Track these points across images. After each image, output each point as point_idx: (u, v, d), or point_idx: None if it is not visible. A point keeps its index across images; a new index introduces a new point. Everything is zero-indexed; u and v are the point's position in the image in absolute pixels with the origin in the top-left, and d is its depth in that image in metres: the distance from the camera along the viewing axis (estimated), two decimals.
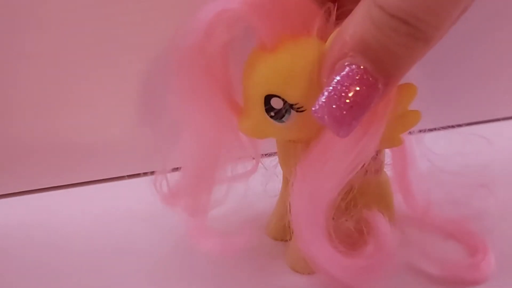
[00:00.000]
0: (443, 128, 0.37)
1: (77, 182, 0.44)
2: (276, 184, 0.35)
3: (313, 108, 0.25)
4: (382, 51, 0.24)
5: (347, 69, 0.24)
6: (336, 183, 0.28)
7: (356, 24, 0.24)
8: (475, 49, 0.48)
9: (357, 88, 0.24)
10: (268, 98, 0.28)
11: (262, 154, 0.35)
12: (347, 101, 0.24)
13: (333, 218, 0.30)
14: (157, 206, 0.35)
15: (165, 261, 0.35)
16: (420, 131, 0.34)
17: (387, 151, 0.35)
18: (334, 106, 0.24)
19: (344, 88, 0.24)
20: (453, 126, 0.37)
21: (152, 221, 0.38)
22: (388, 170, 0.36)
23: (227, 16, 0.28)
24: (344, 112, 0.24)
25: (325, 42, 0.27)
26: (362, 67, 0.24)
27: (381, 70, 0.24)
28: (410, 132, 0.34)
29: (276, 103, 0.28)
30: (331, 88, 0.24)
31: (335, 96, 0.24)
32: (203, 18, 0.28)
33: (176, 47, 0.29)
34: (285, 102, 0.28)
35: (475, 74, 0.49)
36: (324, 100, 0.24)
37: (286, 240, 0.35)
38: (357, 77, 0.24)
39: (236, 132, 0.31)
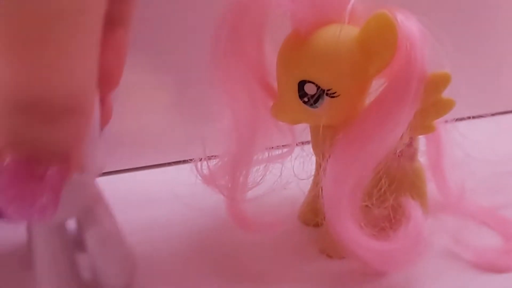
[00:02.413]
0: (478, 116, 0.37)
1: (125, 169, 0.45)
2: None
3: None
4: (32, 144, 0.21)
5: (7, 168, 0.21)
6: (367, 167, 0.29)
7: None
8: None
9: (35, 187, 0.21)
10: (301, 84, 0.28)
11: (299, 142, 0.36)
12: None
13: (366, 204, 0.30)
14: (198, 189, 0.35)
15: (201, 243, 0.36)
16: (456, 119, 0.34)
17: (422, 138, 0.35)
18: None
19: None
20: (488, 115, 0.36)
21: (194, 204, 0.39)
22: (422, 158, 0.36)
23: (262, 2, 0.28)
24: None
25: (358, 27, 0.27)
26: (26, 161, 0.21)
27: (50, 154, 0.22)
28: (445, 120, 0.34)
29: (309, 89, 0.28)
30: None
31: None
32: (239, 1, 0.28)
33: (212, 32, 0.29)
34: (318, 87, 0.28)
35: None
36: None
37: (318, 225, 0.35)
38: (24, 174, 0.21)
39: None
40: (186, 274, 0.33)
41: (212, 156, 0.35)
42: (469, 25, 0.46)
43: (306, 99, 0.29)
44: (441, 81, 0.29)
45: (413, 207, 0.30)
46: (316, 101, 0.29)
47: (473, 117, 0.36)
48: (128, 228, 0.31)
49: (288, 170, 0.35)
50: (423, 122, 0.30)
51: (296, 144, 0.36)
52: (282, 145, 0.36)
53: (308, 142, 0.34)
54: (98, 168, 0.28)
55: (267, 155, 0.35)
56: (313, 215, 0.35)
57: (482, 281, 0.32)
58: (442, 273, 0.32)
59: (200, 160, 0.35)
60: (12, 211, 0.21)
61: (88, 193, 0.29)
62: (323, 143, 0.30)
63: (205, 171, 0.35)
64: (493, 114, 0.36)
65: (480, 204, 0.37)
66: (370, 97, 0.30)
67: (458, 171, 0.36)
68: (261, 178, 0.34)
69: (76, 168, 0.23)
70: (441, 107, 0.30)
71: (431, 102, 0.29)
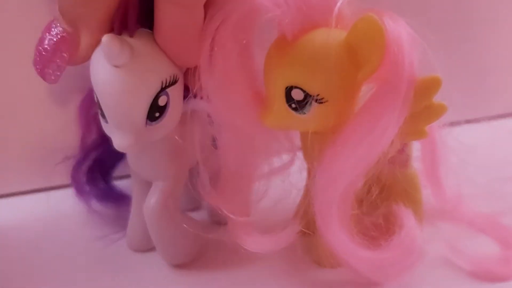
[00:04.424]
0: (474, 120, 0.36)
1: None
2: None
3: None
4: (68, 7, 0.27)
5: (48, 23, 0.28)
6: (357, 174, 0.28)
7: None
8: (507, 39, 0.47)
9: (49, 37, 0.28)
10: (289, 90, 0.28)
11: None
12: (40, 47, 0.28)
13: (358, 212, 0.30)
14: None
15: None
16: (451, 123, 0.34)
17: (417, 144, 0.34)
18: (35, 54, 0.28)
19: (39, 39, 0.28)
20: (484, 119, 0.36)
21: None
22: (417, 164, 0.35)
23: (249, 8, 0.28)
24: (37, 57, 0.28)
25: (346, 31, 0.27)
26: (55, 21, 0.28)
27: (68, 21, 0.27)
28: (440, 125, 0.33)
29: (297, 95, 0.28)
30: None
31: (36, 47, 0.28)
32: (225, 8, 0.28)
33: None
34: (306, 93, 0.28)
35: (506, 66, 0.48)
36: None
37: (309, 234, 0.35)
38: (48, 29, 0.28)
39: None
40: None
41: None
42: (461, 26, 0.45)
43: (293, 105, 0.28)
44: (432, 86, 0.28)
45: (405, 215, 0.30)
46: (304, 107, 0.28)
47: (469, 121, 0.35)
48: None
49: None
50: (415, 127, 0.29)
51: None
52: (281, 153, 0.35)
53: None
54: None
55: (267, 167, 0.34)
56: (305, 224, 0.34)
57: None
58: (437, 282, 0.32)
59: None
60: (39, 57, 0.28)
61: (170, 164, 0.32)
62: (312, 150, 0.30)
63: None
64: (489, 118, 0.35)
65: (477, 210, 0.36)
66: (360, 102, 0.29)
67: (454, 177, 0.36)
68: (264, 193, 0.34)
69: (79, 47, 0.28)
70: (433, 112, 0.29)
71: (422, 106, 0.28)
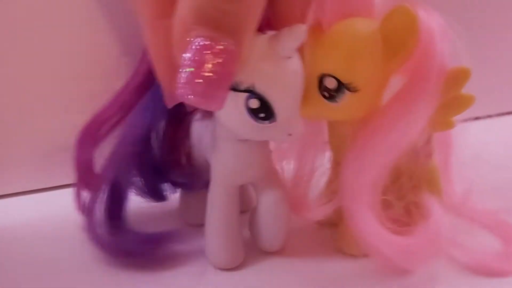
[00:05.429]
0: (490, 116, 0.36)
1: None
2: None
3: (177, 91, 0.24)
4: (219, 14, 0.24)
5: (194, 44, 0.24)
6: (386, 162, 0.29)
7: None
8: None
9: (211, 59, 0.24)
10: (322, 78, 0.28)
11: None
12: (206, 74, 0.24)
13: (387, 199, 0.30)
14: None
15: None
16: (467, 119, 0.34)
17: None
18: (194, 83, 0.24)
19: (197, 63, 0.24)
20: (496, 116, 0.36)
21: None
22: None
23: None
24: (206, 86, 0.24)
25: (379, 21, 0.27)
26: (208, 37, 0.23)
27: (227, 33, 0.24)
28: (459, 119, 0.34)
29: (330, 83, 0.28)
30: (185, 66, 0.24)
31: (192, 73, 0.24)
32: None
33: None
34: (339, 81, 0.28)
35: None
36: (183, 81, 0.24)
37: (334, 224, 0.35)
38: (206, 49, 0.24)
39: None
40: None
41: None
42: (490, 20, 0.46)
43: (326, 94, 0.29)
44: (461, 76, 0.29)
45: (433, 203, 0.30)
46: (336, 95, 0.28)
47: (490, 116, 0.36)
48: None
49: None
50: (443, 117, 0.30)
51: None
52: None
53: None
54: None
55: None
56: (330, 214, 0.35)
57: (478, 285, 0.31)
58: (438, 276, 0.32)
59: None
60: (207, 85, 0.24)
61: (270, 157, 0.33)
62: (343, 140, 0.30)
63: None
64: (500, 115, 0.36)
65: (483, 206, 0.36)
66: (388, 93, 0.30)
67: (465, 172, 0.36)
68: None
69: (243, 56, 0.25)
70: (461, 103, 0.30)
71: (451, 97, 0.29)
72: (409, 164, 0.31)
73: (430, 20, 0.27)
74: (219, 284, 0.32)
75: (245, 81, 0.27)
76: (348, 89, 0.28)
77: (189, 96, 0.24)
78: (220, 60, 0.24)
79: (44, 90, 0.41)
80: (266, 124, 0.28)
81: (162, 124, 0.34)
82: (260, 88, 0.27)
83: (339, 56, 0.28)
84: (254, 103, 0.27)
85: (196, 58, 0.23)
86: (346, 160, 0.30)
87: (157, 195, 0.36)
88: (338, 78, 0.28)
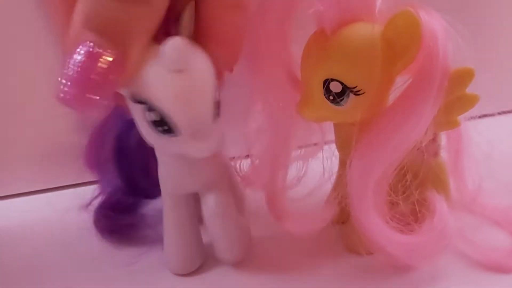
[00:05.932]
0: (502, 113, 0.36)
1: None
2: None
3: (55, 93, 0.24)
4: (108, 22, 0.24)
5: (79, 47, 0.24)
6: (392, 162, 0.29)
7: (82, 2, 0.24)
8: None
9: (93, 64, 0.24)
10: (327, 82, 0.29)
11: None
12: (85, 79, 0.24)
13: (391, 199, 0.31)
14: None
15: None
16: (479, 116, 0.34)
17: (443, 135, 0.35)
18: (73, 85, 0.24)
19: (78, 67, 0.24)
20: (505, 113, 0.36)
21: None
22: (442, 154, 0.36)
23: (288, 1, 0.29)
24: (83, 90, 0.24)
25: (383, 26, 0.28)
26: (94, 43, 0.24)
27: (114, 41, 0.24)
28: (467, 118, 0.34)
29: (335, 87, 0.29)
30: (67, 69, 0.24)
31: (71, 76, 0.24)
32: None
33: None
34: (344, 85, 0.29)
35: None
36: (63, 82, 0.24)
37: (342, 223, 0.36)
38: (90, 54, 0.24)
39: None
40: None
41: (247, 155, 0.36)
42: (493, 20, 0.46)
43: (331, 97, 0.29)
44: (465, 77, 0.29)
45: (438, 201, 0.31)
46: (341, 99, 0.29)
47: (499, 114, 0.36)
48: None
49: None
50: (448, 117, 0.30)
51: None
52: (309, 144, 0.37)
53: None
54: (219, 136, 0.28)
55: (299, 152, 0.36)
56: (337, 213, 0.35)
57: (488, 281, 0.32)
58: (448, 272, 0.32)
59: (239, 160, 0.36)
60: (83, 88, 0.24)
61: (217, 166, 0.32)
62: (349, 140, 0.31)
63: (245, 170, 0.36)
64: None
65: (494, 203, 0.36)
66: (393, 94, 0.30)
67: (476, 170, 0.36)
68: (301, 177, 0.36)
69: (129, 66, 0.25)
70: (466, 102, 0.30)
71: (455, 97, 0.30)
72: (414, 163, 0.31)
73: (433, 23, 0.28)
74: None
75: (141, 93, 0.26)
76: (353, 93, 0.29)
77: (67, 98, 0.24)
78: (102, 67, 0.24)
79: (44, 90, 0.39)
80: (172, 136, 0.27)
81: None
82: (155, 102, 0.26)
83: (343, 60, 0.28)
84: (152, 116, 0.26)
85: (78, 62, 0.24)
86: (352, 160, 0.30)
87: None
88: (343, 82, 0.28)
